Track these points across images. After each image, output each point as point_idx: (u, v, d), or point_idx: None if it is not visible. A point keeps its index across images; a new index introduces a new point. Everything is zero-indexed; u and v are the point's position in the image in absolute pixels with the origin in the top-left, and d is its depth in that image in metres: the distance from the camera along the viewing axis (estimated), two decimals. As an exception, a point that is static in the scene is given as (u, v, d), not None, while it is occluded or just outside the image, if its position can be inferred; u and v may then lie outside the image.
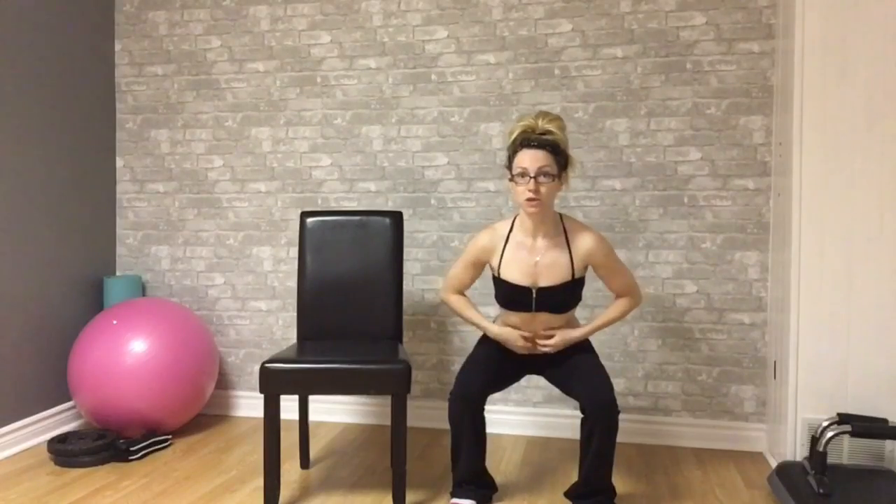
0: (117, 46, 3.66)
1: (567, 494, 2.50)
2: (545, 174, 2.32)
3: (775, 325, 2.94)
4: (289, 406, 3.48)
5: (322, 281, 2.86)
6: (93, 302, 3.52)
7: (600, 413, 2.29)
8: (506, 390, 3.31)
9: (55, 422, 3.28)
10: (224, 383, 3.61)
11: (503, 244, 2.46)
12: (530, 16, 3.24)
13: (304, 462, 2.88)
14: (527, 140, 2.33)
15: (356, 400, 3.47)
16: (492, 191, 3.31)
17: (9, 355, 3.04)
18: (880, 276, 2.59)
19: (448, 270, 2.63)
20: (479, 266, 2.55)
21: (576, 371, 2.42)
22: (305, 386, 2.41)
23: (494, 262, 2.48)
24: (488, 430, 3.30)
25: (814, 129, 2.63)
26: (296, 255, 3.52)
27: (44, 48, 3.21)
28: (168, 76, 3.62)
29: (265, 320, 3.56)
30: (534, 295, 2.41)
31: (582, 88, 3.21)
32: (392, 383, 2.38)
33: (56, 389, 3.30)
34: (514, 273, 2.43)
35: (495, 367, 2.48)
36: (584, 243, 2.42)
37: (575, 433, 3.22)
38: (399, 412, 2.40)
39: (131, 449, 2.91)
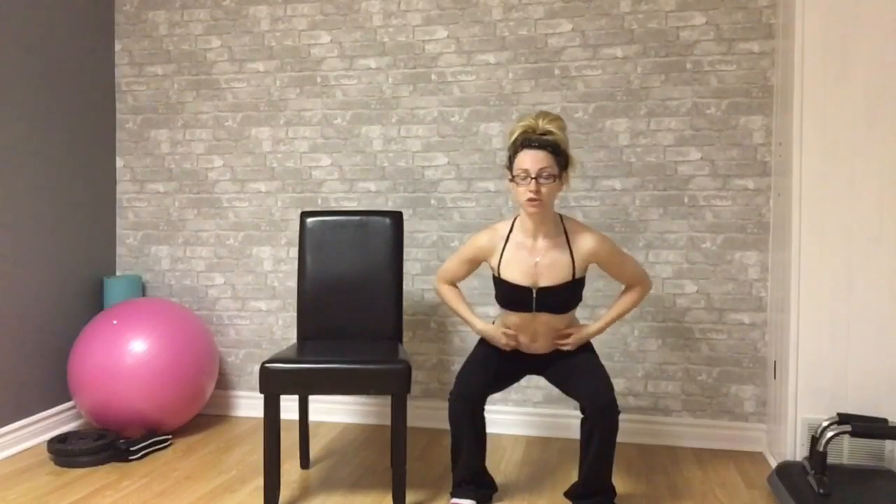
0: (117, 46, 3.66)
1: (567, 494, 2.50)
2: (546, 175, 2.32)
3: (775, 325, 2.94)
4: (289, 406, 3.48)
5: (322, 281, 2.86)
6: (93, 302, 3.52)
7: (600, 413, 2.29)
8: (506, 390, 3.31)
9: (55, 422, 3.28)
10: (224, 383, 3.61)
11: (503, 244, 2.46)
12: (530, 16, 3.24)
13: (304, 462, 2.88)
14: (527, 140, 2.33)
15: (356, 400, 3.47)
16: (492, 191, 3.31)
17: (9, 355, 3.04)
18: (880, 276, 2.59)
19: (445, 262, 2.64)
20: (474, 263, 2.57)
21: (576, 371, 2.42)
22: (305, 386, 2.41)
23: (494, 263, 2.48)
24: (488, 430, 3.30)
25: (814, 129, 2.63)
26: (296, 255, 3.52)
27: (44, 48, 3.21)
28: (168, 76, 3.62)
29: (265, 320, 3.56)
30: (534, 295, 2.41)
31: (582, 88, 3.21)
32: (392, 383, 2.38)
33: (56, 389, 3.30)
34: (515, 273, 2.43)
35: (495, 367, 2.48)
36: (585, 244, 2.42)
37: (575, 433, 3.22)
38: (399, 412, 2.40)
39: (131, 449, 2.91)
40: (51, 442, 2.90)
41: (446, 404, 3.38)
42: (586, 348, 2.52)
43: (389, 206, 3.41)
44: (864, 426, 2.41)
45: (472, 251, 2.53)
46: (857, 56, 2.59)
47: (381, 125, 3.40)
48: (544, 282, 2.41)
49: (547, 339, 2.49)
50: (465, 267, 2.58)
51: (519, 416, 3.30)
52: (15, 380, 3.07)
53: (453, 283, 2.64)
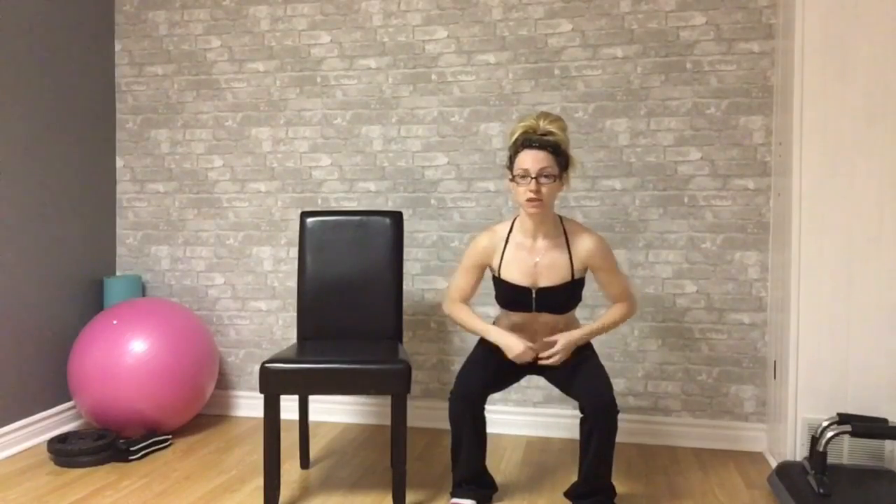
0: (117, 46, 3.66)
1: (567, 494, 2.50)
2: (546, 175, 2.32)
3: (775, 325, 2.94)
4: (289, 406, 3.48)
5: (322, 281, 2.86)
6: (93, 302, 3.52)
7: (600, 413, 2.29)
8: (506, 390, 3.31)
9: (55, 422, 3.28)
10: (224, 383, 3.61)
11: (503, 245, 2.47)
12: (530, 16, 3.24)
13: (304, 462, 2.88)
14: (528, 141, 2.33)
15: (356, 400, 3.47)
16: (492, 191, 3.31)
17: (9, 355, 3.04)
18: (880, 276, 2.59)
19: (449, 283, 2.58)
20: (480, 269, 2.53)
21: (575, 371, 2.42)
22: (305, 386, 2.41)
23: (495, 263, 2.48)
24: (488, 430, 3.30)
25: (814, 129, 2.63)
26: (296, 255, 3.52)
27: (44, 48, 3.21)
28: (168, 76, 3.62)
29: (265, 320, 3.56)
30: (534, 295, 2.41)
31: (582, 88, 3.21)
32: (392, 383, 2.38)
33: (56, 389, 3.30)
34: (514, 273, 2.43)
35: (495, 366, 2.48)
36: (583, 244, 2.43)
37: (575, 433, 3.22)
38: (399, 412, 2.40)
39: (131, 449, 2.91)
40: (51, 442, 2.90)
41: (446, 404, 3.38)
42: (586, 349, 2.52)
43: (389, 206, 3.41)
44: (864, 426, 2.41)
45: (476, 256, 2.50)
46: (857, 56, 2.59)
47: (381, 125, 3.40)
48: (544, 282, 2.41)
49: (546, 337, 2.49)
50: (472, 276, 2.53)
51: (519, 416, 3.30)
52: (15, 380, 3.07)
53: (464, 301, 2.56)
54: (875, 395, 2.60)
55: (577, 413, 3.18)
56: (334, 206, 3.46)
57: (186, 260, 3.63)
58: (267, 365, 2.40)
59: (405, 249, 3.40)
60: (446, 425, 3.36)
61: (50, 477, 2.76)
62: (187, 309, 3.33)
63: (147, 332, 3.04)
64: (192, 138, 3.61)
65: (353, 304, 2.84)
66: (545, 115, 2.38)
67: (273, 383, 2.40)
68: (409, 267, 3.40)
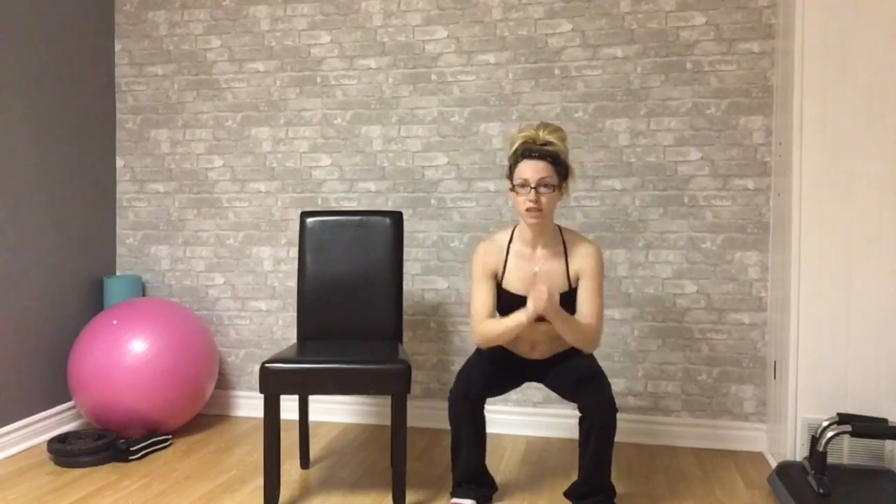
0: (117, 46, 3.66)
1: (567, 494, 2.50)
2: (546, 185, 2.34)
3: (775, 325, 2.94)
4: (289, 406, 3.48)
5: (322, 281, 2.86)
6: (93, 302, 3.52)
7: (598, 412, 2.30)
8: (506, 390, 3.31)
9: (55, 422, 3.28)
10: (224, 383, 3.61)
11: (505, 255, 2.47)
12: (530, 16, 3.24)
13: (304, 462, 2.88)
14: (528, 151, 2.35)
15: (356, 400, 3.47)
16: (492, 191, 3.31)
17: (9, 355, 3.04)
18: (880, 276, 2.59)
19: (470, 308, 2.47)
20: (493, 277, 2.47)
21: (573, 373, 2.43)
22: (305, 386, 2.41)
23: (499, 272, 2.49)
24: (488, 430, 3.30)
25: (814, 129, 2.63)
26: (296, 255, 3.52)
27: (44, 48, 3.21)
28: (168, 76, 3.62)
29: (265, 320, 3.56)
30: None
31: (582, 88, 3.21)
32: (392, 383, 2.38)
33: (56, 389, 3.30)
34: (515, 283, 2.44)
35: (496, 367, 2.49)
36: (581, 251, 2.43)
37: (575, 433, 3.22)
38: (399, 412, 2.40)
39: (131, 449, 2.91)
40: (51, 442, 2.90)
41: (446, 404, 3.38)
42: (583, 352, 2.53)
43: (389, 206, 3.41)
44: (864, 426, 2.41)
45: (484, 267, 2.47)
46: (857, 56, 2.59)
47: (381, 125, 3.40)
48: None
49: (546, 346, 2.51)
50: (489, 286, 2.47)
51: (519, 416, 3.30)
52: (15, 380, 3.07)
53: (490, 316, 2.46)
54: (875, 395, 2.60)
55: (577, 413, 3.17)
56: (334, 206, 3.46)
57: (186, 260, 3.63)
58: (267, 365, 2.40)
59: (405, 249, 3.40)
60: (446, 425, 3.36)
61: (50, 477, 2.76)
62: (187, 309, 3.33)
63: (147, 332, 3.04)
64: (192, 138, 3.61)
65: (353, 304, 2.84)
66: (545, 126, 2.40)
67: (273, 383, 2.40)
68: (409, 267, 3.40)
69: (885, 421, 2.46)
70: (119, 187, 3.70)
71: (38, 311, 3.19)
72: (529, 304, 2.30)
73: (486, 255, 2.48)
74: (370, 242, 2.88)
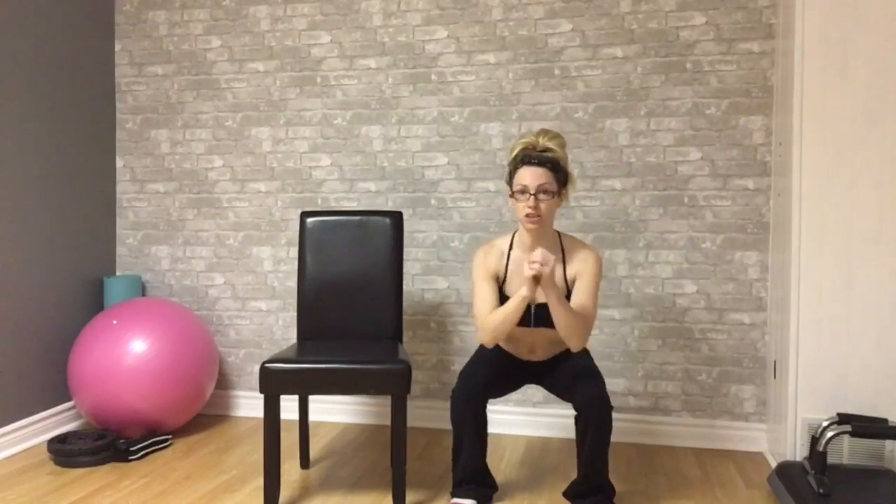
0: (117, 46, 3.66)
1: (566, 494, 2.50)
2: (545, 191, 2.34)
3: (775, 325, 2.94)
4: (289, 406, 3.48)
5: (322, 281, 2.86)
6: (93, 302, 3.52)
7: (592, 409, 2.30)
8: (506, 390, 3.31)
9: (55, 422, 3.28)
10: (224, 383, 3.61)
11: (505, 261, 2.48)
12: (530, 16, 3.24)
13: (304, 462, 2.88)
14: (527, 157, 2.35)
15: (356, 400, 3.47)
16: (492, 191, 3.31)
17: (9, 355, 3.04)
18: (880, 276, 2.59)
19: (474, 309, 2.45)
20: (496, 278, 2.47)
21: (569, 372, 2.44)
22: (305, 386, 2.41)
23: (500, 276, 2.49)
24: (488, 430, 3.30)
25: (814, 129, 2.63)
26: (296, 255, 3.52)
27: (44, 48, 3.21)
28: (168, 76, 3.62)
29: (265, 320, 3.56)
30: (532, 310, 2.42)
31: (582, 88, 3.21)
32: (392, 383, 2.38)
33: (56, 389, 3.30)
34: (515, 289, 2.45)
35: (497, 367, 2.49)
36: (579, 256, 2.43)
37: (574, 433, 3.21)
38: (399, 412, 2.40)
39: (131, 449, 2.91)
40: (51, 442, 2.90)
41: (446, 404, 3.38)
42: (581, 353, 2.53)
43: (389, 206, 3.41)
44: (864, 426, 2.41)
45: (486, 268, 2.46)
46: (857, 56, 2.59)
47: (381, 125, 3.40)
48: (542, 298, 2.42)
49: (544, 350, 2.53)
50: (492, 286, 2.45)
51: (519, 416, 3.30)
52: (15, 380, 3.07)
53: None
54: (875, 395, 2.60)
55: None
56: (334, 206, 3.46)
57: (186, 260, 3.63)
58: (267, 365, 2.40)
59: (405, 249, 3.40)
60: (446, 425, 3.37)
61: (50, 477, 2.76)
62: (187, 309, 3.33)
63: (147, 332, 3.04)
64: (192, 138, 3.61)
65: (353, 304, 2.85)
66: (545, 132, 2.40)
67: (273, 383, 2.40)
68: (409, 267, 3.40)
69: (885, 421, 2.46)
70: (119, 187, 3.70)
71: (38, 311, 3.19)
72: (526, 268, 2.24)
73: (488, 258, 2.48)
74: (370, 242, 2.88)
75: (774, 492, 2.51)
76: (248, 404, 3.57)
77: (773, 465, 2.90)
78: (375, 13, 3.39)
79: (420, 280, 3.40)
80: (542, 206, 2.34)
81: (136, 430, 3.07)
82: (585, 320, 2.36)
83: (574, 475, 2.80)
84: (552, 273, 2.26)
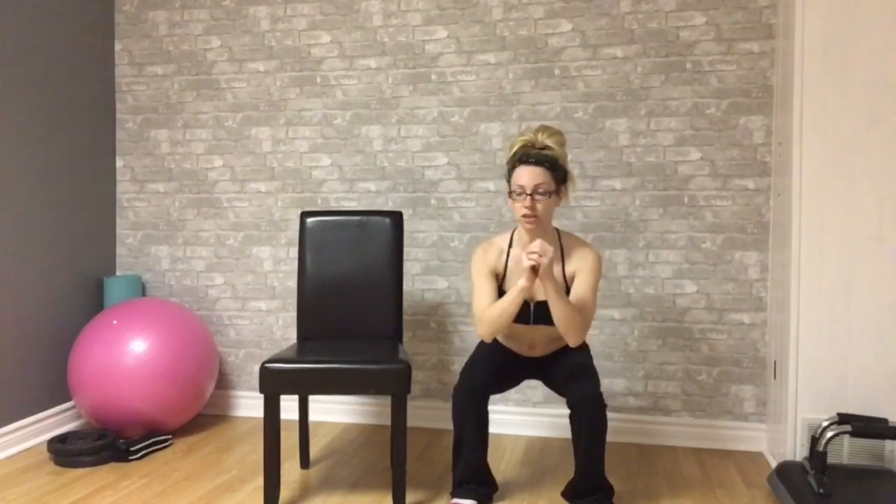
0: (117, 46, 3.66)
1: (564, 494, 2.50)
2: (542, 191, 2.32)
3: (775, 325, 2.94)
4: (289, 406, 3.48)
5: (322, 281, 2.86)
6: (93, 302, 3.52)
7: (585, 407, 2.29)
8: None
9: (55, 422, 3.28)
10: (224, 383, 3.61)
11: (505, 258, 2.47)
12: (530, 16, 3.24)
13: (304, 462, 2.88)
14: (525, 156, 2.34)
15: (356, 400, 3.47)
16: (492, 191, 3.31)
17: (9, 355, 3.04)
18: (880, 276, 2.59)
19: (473, 306, 2.46)
20: (495, 275, 2.47)
21: (566, 369, 2.44)
22: (305, 386, 2.41)
23: (499, 274, 2.49)
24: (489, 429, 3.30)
25: (814, 129, 2.63)
26: (296, 255, 3.52)
27: (44, 48, 3.21)
28: (168, 76, 3.62)
29: (265, 320, 3.56)
30: (531, 308, 2.42)
31: (582, 88, 3.21)
32: (392, 383, 2.38)
33: (56, 389, 3.30)
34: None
35: (498, 364, 2.50)
36: (578, 254, 2.43)
37: (575, 433, 3.22)
38: (399, 412, 2.40)
39: (131, 449, 2.91)
40: (51, 442, 2.90)
41: (446, 404, 3.38)
42: (580, 350, 2.53)
43: (389, 206, 3.41)
44: (864, 426, 2.41)
45: (485, 265, 2.46)
46: (857, 56, 2.59)
47: (381, 125, 3.40)
48: (541, 295, 2.41)
49: (544, 347, 2.53)
50: (491, 282, 2.45)
51: (519, 416, 3.30)
52: (15, 380, 3.07)
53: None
54: (875, 395, 2.60)
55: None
56: (334, 206, 3.46)
57: (186, 260, 3.63)
58: (267, 365, 2.40)
59: (405, 249, 3.40)
60: (446, 425, 3.37)
61: (50, 477, 2.76)
62: (187, 309, 3.33)
63: (147, 332, 3.04)
64: (192, 138, 3.61)
65: (353, 304, 2.84)
66: (544, 129, 2.38)
67: (273, 383, 2.40)
68: (409, 267, 3.40)
69: (885, 421, 2.46)
70: (119, 187, 3.70)
71: (38, 311, 3.19)
72: (524, 259, 2.24)
73: (487, 255, 2.48)
74: (370, 242, 2.88)
75: (774, 492, 2.51)
76: (248, 404, 3.57)
77: (773, 465, 2.90)
78: (375, 13, 3.39)
79: (420, 280, 3.40)
80: (539, 206, 2.33)
81: (136, 430, 3.07)
82: (583, 315, 2.36)
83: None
84: (550, 264, 2.25)
